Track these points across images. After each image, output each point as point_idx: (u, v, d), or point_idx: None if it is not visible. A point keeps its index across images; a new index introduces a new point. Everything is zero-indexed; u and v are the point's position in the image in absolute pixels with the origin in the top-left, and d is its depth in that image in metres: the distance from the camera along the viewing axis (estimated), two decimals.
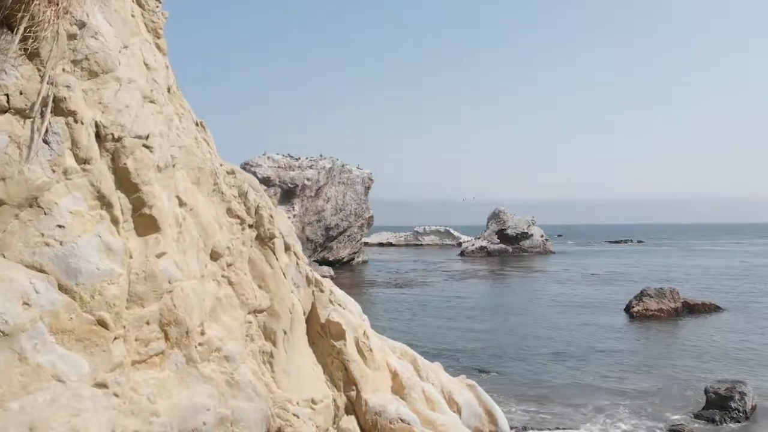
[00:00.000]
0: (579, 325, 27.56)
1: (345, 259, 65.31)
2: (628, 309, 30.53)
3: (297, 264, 7.10)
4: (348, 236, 65.72)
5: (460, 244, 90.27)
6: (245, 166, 59.63)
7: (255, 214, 6.63)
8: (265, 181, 57.16)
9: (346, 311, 7.65)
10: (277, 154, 63.42)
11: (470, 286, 43.62)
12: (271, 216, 6.69)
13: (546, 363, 20.59)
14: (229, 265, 6.15)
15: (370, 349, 7.46)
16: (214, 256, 6.04)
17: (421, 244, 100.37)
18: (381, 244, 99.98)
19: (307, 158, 63.85)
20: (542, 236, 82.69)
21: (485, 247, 78.72)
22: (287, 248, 7.01)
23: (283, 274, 6.73)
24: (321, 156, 64.98)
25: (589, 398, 16.69)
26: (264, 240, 6.66)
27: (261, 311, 6.36)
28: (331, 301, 7.44)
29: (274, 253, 6.69)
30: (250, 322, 6.21)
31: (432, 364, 8.94)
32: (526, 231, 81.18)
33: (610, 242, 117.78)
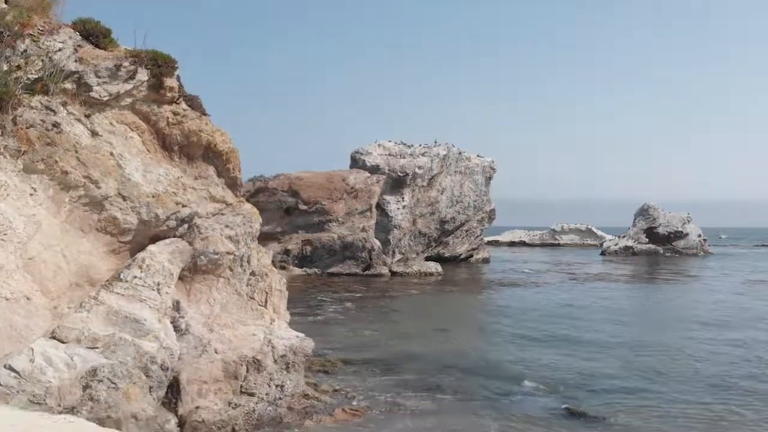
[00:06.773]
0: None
1: (462, 256, 58.16)
2: None
3: None
4: (466, 231, 58.43)
5: (602, 244, 79.29)
6: (355, 155, 53.97)
7: None
8: (374, 170, 51.46)
9: None
10: (389, 141, 57.32)
11: (614, 290, 34.39)
12: None
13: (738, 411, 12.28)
14: None
15: None
16: None
17: (559, 244, 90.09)
18: (513, 243, 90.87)
19: (420, 145, 57.10)
20: (699, 236, 70.64)
21: (631, 247, 68.44)
22: None
23: None
24: (435, 142, 57.80)
25: None
26: None
27: None
28: None
29: None
30: None
31: None
32: (680, 230, 69.58)
33: None
